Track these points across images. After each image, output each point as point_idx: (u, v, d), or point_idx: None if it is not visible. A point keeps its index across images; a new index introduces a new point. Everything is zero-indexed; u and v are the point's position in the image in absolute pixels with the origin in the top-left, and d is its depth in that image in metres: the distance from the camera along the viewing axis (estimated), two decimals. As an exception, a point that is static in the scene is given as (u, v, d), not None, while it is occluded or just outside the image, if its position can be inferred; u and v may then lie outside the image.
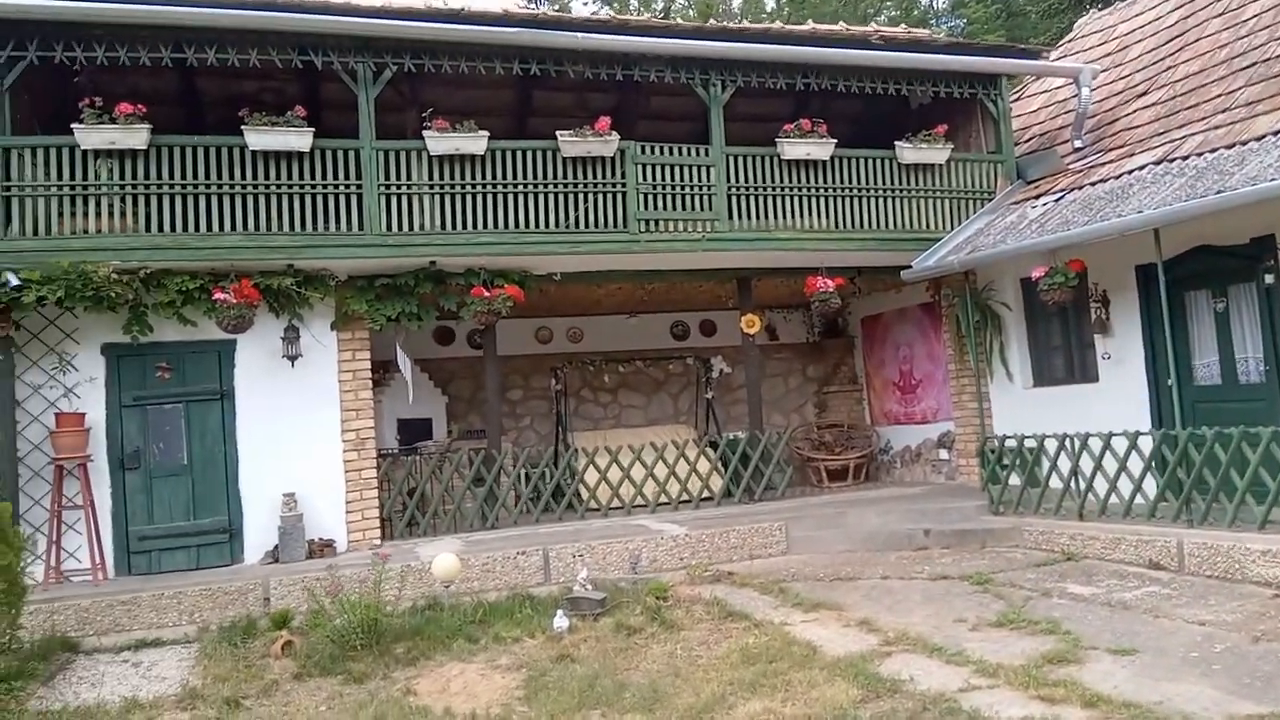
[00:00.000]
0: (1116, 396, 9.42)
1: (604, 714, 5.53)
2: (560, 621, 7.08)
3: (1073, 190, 9.70)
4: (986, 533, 9.13)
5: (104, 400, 8.78)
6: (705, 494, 10.68)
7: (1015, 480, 9.24)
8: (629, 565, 8.31)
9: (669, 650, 6.57)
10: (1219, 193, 7.44)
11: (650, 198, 9.74)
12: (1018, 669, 5.58)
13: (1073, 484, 8.69)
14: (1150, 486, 8.02)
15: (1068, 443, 8.71)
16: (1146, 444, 8.04)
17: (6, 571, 6.37)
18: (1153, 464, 7.96)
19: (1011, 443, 9.35)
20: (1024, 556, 8.50)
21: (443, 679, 6.32)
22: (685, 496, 10.59)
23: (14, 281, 7.92)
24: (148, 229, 8.40)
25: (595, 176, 9.58)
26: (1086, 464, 8.52)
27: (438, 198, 9.07)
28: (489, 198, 9.25)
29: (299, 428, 9.19)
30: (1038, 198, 10.18)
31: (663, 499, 10.49)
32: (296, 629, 7.07)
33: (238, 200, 8.60)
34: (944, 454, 11.99)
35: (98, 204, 8.38)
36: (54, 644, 7.09)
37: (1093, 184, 9.48)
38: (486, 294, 9.03)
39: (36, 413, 8.56)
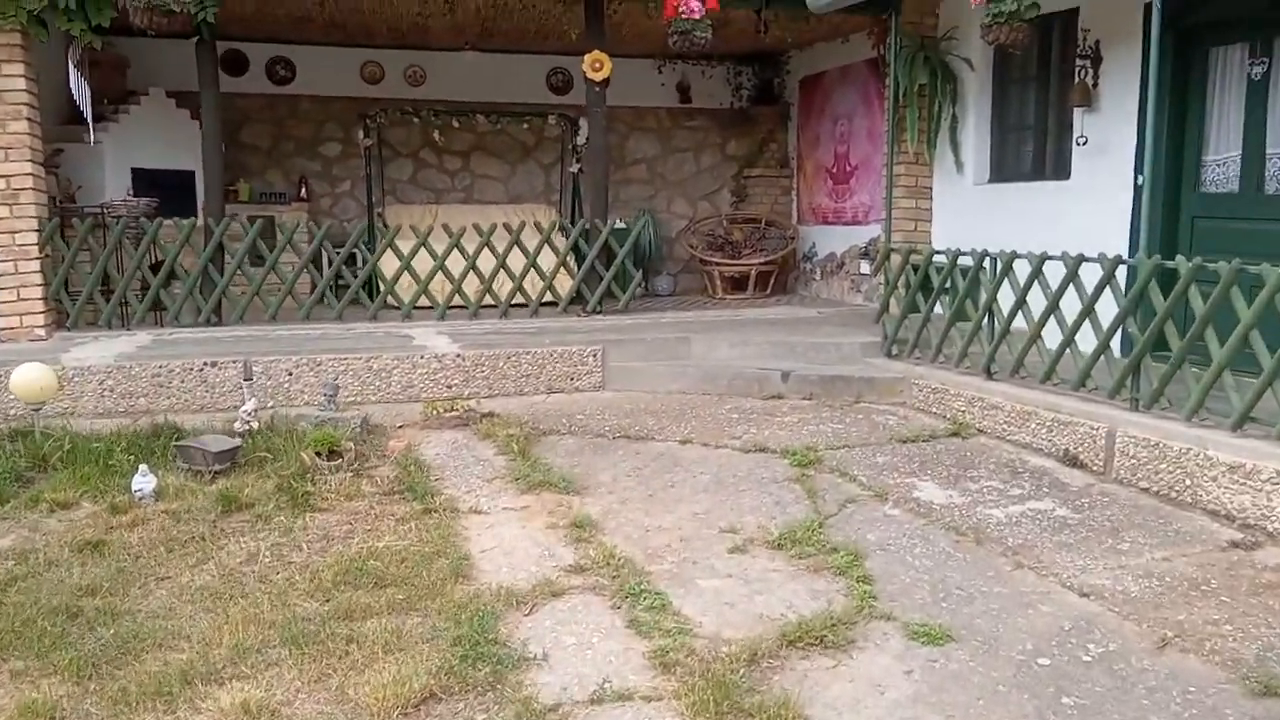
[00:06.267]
0: (1094, 200, 6.53)
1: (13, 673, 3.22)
2: (142, 483, 4.72)
3: None
4: (865, 382, 6.50)
5: None
6: (518, 300, 7.99)
7: (938, 311, 6.43)
8: (324, 396, 5.82)
9: (254, 549, 4.20)
10: None
11: None
12: (727, 661, 3.15)
13: (986, 324, 5.94)
14: (1088, 341, 5.22)
15: (986, 263, 5.89)
16: (1094, 274, 5.18)
17: None
18: (1094, 306, 5.12)
19: (918, 258, 6.52)
20: (898, 423, 5.92)
21: None
22: (490, 301, 7.93)
23: None
24: None
25: None
26: (1006, 298, 5.72)
27: None
28: None
29: (-80, 169, 6.56)
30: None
31: (457, 302, 7.84)
32: None
33: None
34: (865, 266, 9.12)
35: None
36: None
37: None
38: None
39: None
